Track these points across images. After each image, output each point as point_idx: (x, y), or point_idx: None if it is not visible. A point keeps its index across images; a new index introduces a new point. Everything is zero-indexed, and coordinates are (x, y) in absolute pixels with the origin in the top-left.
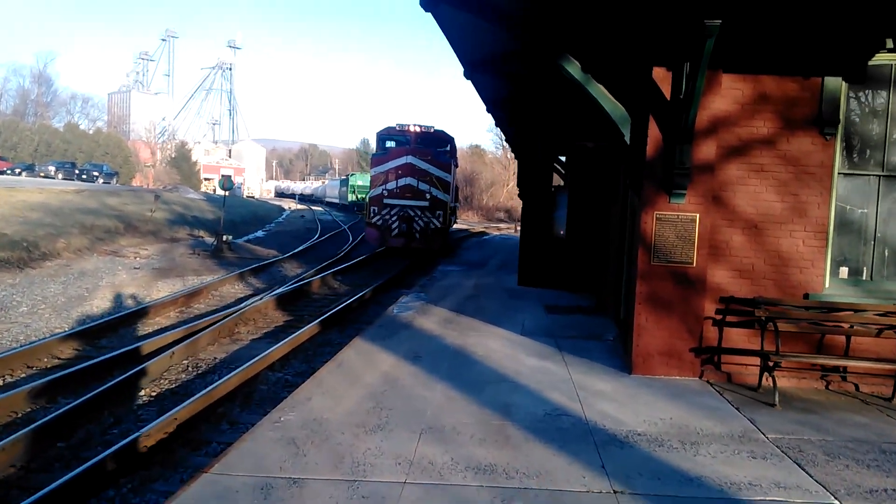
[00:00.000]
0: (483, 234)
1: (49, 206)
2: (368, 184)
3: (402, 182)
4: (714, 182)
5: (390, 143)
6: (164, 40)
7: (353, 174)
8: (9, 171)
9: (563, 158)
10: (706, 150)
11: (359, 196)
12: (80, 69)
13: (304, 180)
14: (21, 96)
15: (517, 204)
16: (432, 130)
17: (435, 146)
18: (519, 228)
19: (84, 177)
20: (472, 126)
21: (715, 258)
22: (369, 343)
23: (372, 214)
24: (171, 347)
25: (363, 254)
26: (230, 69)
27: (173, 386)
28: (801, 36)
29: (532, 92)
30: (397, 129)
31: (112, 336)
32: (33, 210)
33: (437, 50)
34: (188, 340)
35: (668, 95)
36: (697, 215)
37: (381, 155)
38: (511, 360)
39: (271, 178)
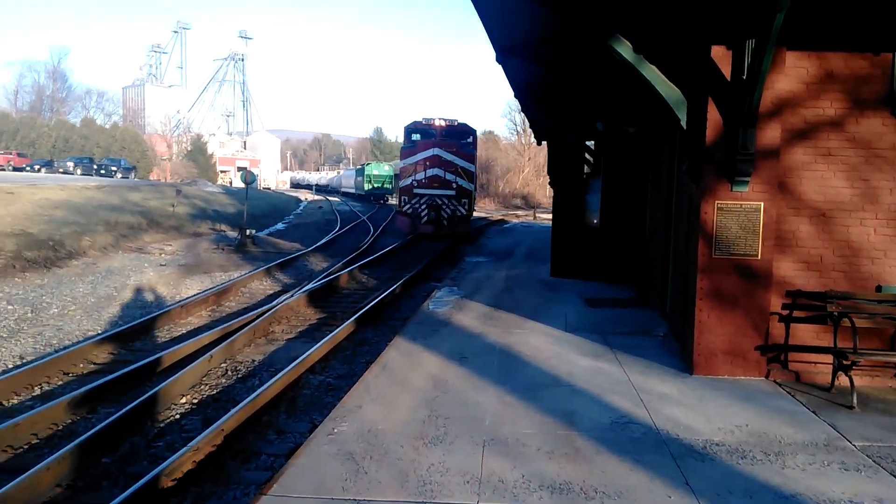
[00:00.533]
0: (503, 221)
1: (72, 204)
2: (384, 173)
3: (429, 173)
4: (779, 168)
5: (417, 137)
6: (175, 32)
7: (368, 164)
8: (28, 168)
9: (590, 144)
10: (770, 134)
11: (374, 185)
12: (94, 63)
13: (318, 170)
14: (37, 92)
15: (533, 190)
16: (456, 124)
17: (459, 138)
18: (537, 215)
19: (102, 172)
20: (486, 112)
21: (780, 250)
22: (410, 342)
23: (402, 203)
24: (208, 350)
25: (387, 245)
26: (242, 60)
27: (214, 392)
28: (873, 7)
29: (568, 76)
30: (423, 122)
31: (146, 338)
32: (57, 208)
33: (451, 36)
34: (225, 343)
35: (728, 76)
36: (762, 204)
37: (410, 148)
38: (561, 360)
39: (286, 169)
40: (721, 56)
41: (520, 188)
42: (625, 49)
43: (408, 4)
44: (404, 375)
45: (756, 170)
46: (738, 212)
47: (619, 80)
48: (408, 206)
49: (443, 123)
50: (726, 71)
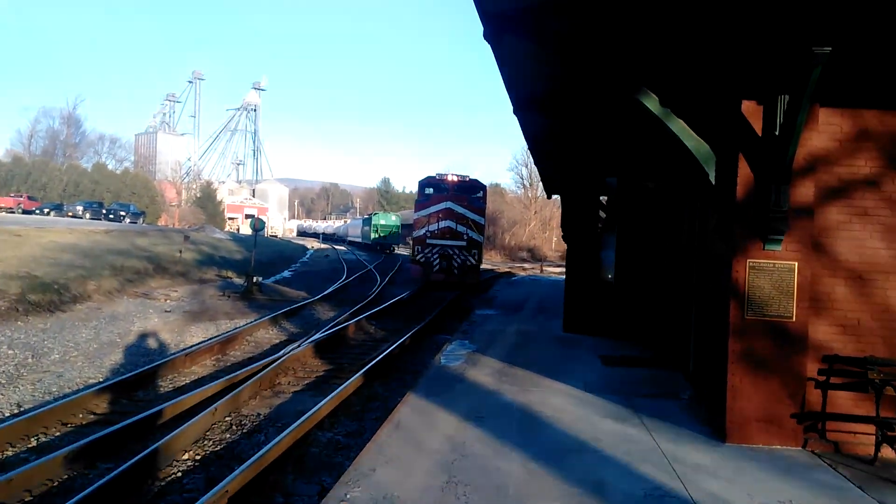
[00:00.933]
0: (510, 274)
1: (79, 247)
2: (390, 223)
3: (442, 224)
4: (813, 227)
5: (430, 191)
6: (190, 82)
7: (375, 213)
8: (38, 211)
9: (603, 199)
10: (804, 192)
11: (381, 234)
12: (109, 110)
13: (325, 219)
14: (51, 137)
15: (540, 243)
16: (468, 179)
17: (470, 193)
18: (545, 268)
19: (111, 216)
20: (492, 165)
21: (816, 312)
22: (423, 399)
23: (416, 253)
24: (212, 402)
25: (395, 296)
26: (255, 110)
27: (218, 448)
28: None
29: (586, 130)
30: (437, 177)
31: (149, 387)
32: (64, 251)
33: (459, 91)
34: (230, 395)
35: (759, 131)
36: (796, 264)
37: (423, 201)
38: (585, 423)
39: (293, 218)
40: (752, 111)
41: (526, 241)
42: (652, 102)
43: (416, 59)
44: (419, 436)
45: (790, 228)
46: (772, 271)
47: (639, 134)
48: (420, 255)
49: (455, 178)
50: (757, 126)
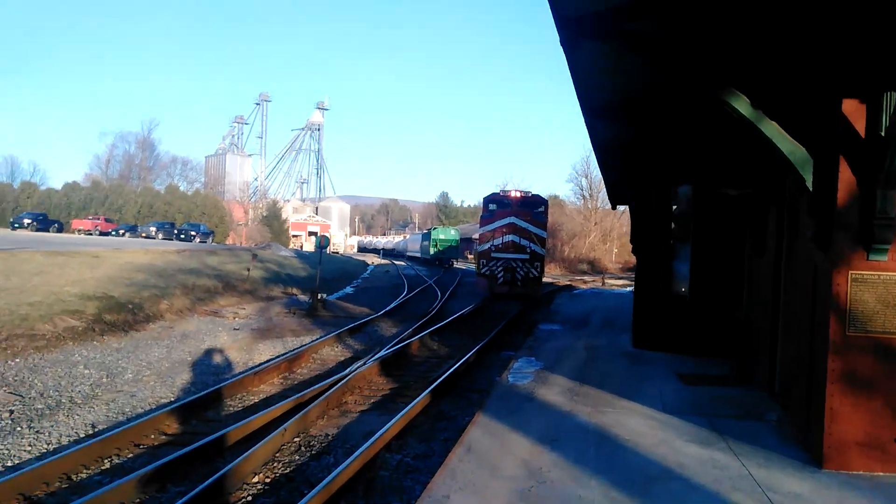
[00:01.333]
0: (571, 287)
1: (154, 267)
2: (449, 237)
3: (506, 239)
4: None
5: (494, 206)
6: (257, 104)
7: (434, 228)
8: (114, 233)
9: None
10: None
11: (440, 249)
12: (181, 134)
13: (385, 235)
14: (126, 161)
15: (600, 255)
16: (530, 194)
17: (532, 208)
18: (606, 281)
19: (182, 236)
20: (549, 176)
21: None
22: (494, 420)
23: (481, 266)
24: (280, 422)
25: (456, 311)
26: (319, 130)
27: (288, 470)
28: None
29: (661, 136)
30: (500, 193)
31: (219, 407)
32: (138, 271)
33: (514, 103)
34: (298, 415)
35: (861, 132)
36: None
37: (488, 217)
38: (667, 448)
39: (354, 234)
40: (853, 110)
41: (585, 253)
42: (742, 105)
43: (472, 72)
44: (492, 460)
45: None
46: (876, 283)
47: (721, 140)
48: (486, 268)
49: (518, 194)
50: (860, 127)
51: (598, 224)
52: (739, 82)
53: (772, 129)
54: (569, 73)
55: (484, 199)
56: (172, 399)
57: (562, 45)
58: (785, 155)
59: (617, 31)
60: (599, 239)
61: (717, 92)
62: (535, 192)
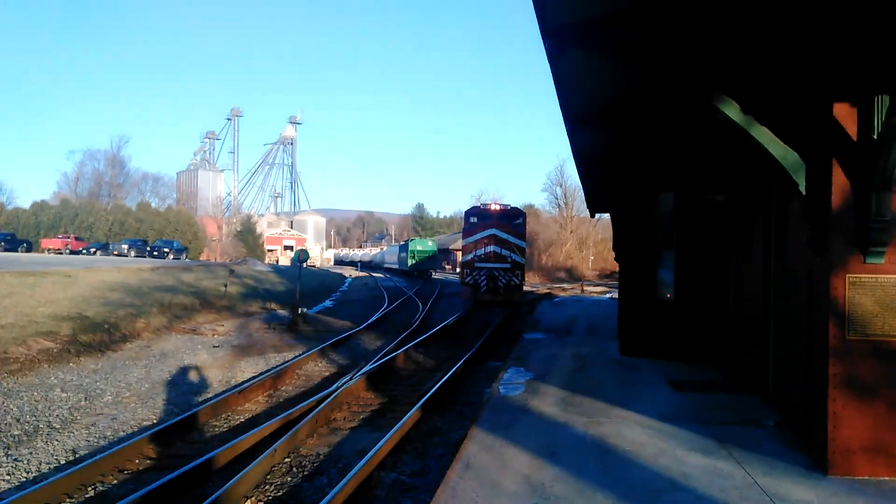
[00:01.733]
0: (551, 295)
1: (128, 285)
2: (427, 248)
3: (488, 249)
4: None
5: (475, 219)
6: (228, 119)
7: (412, 239)
8: (84, 251)
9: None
10: None
11: (418, 260)
12: (151, 150)
13: (361, 247)
14: (96, 179)
15: (577, 263)
16: (509, 207)
17: (512, 220)
18: (585, 288)
19: (155, 253)
20: (523, 185)
21: None
22: (490, 434)
23: (465, 276)
24: (269, 443)
25: (439, 322)
26: (292, 144)
27: (281, 493)
28: None
29: (644, 143)
30: (481, 207)
31: (204, 428)
32: (113, 290)
33: (487, 111)
34: (287, 434)
35: (854, 136)
36: None
37: (470, 229)
38: (669, 458)
39: (330, 247)
40: (845, 114)
41: (562, 261)
42: (732, 110)
43: (444, 83)
44: (493, 476)
45: (894, 239)
46: (874, 286)
47: (704, 146)
48: (469, 277)
49: (497, 207)
50: (852, 130)
51: (573, 232)
52: (729, 87)
53: (763, 134)
54: (551, 82)
55: (465, 212)
56: (155, 421)
57: (547, 53)
58: (777, 159)
59: (604, 39)
60: (576, 247)
61: (707, 97)
62: (510, 202)
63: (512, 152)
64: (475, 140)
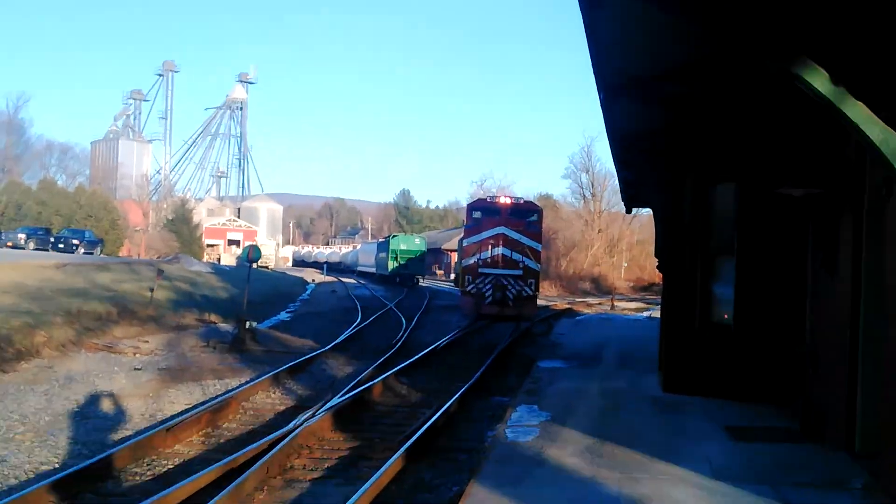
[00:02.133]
0: (573, 312)
1: (25, 287)
2: (414, 248)
3: (495, 251)
4: None
5: (479, 215)
6: (160, 75)
7: (394, 236)
8: None
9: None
10: None
11: (401, 263)
12: (59, 114)
13: (328, 244)
14: None
15: (606, 271)
16: (522, 202)
17: (524, 217)
18: (616, 303)
19: (61, 246)
20: (539, 173)
21: None
22: (494, 492)
23: (466, 283)
24: (206, 497)
25: (428, 343)
26: (241, 109)
27: None
28: None
29: (700, 122)
30: (488, 200)
31: (121, 476)
32: (5, 293)
33: (486, 81)
34: (230, 487)
35: None
36: None
37: (473, 226)
38: None
39: (288, 243)
40: None
41: (588, 268)
42: (819, 80)
43: (435, 43)
44: None
45: None
46: None
47: (777, 126)
48: (471, 285)
49: (508, 202)
50: None
51: (602, 231)
52: (816, 52)
53: (858, 112)
54: (581, 35)
55: (468, 205)
56: (57, 466)
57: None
58: (874, 144)
59: None
60: (605, 250)
61: (787, 64)
62: (521, 191)
63: (524, 129)
64: (477, 111)
